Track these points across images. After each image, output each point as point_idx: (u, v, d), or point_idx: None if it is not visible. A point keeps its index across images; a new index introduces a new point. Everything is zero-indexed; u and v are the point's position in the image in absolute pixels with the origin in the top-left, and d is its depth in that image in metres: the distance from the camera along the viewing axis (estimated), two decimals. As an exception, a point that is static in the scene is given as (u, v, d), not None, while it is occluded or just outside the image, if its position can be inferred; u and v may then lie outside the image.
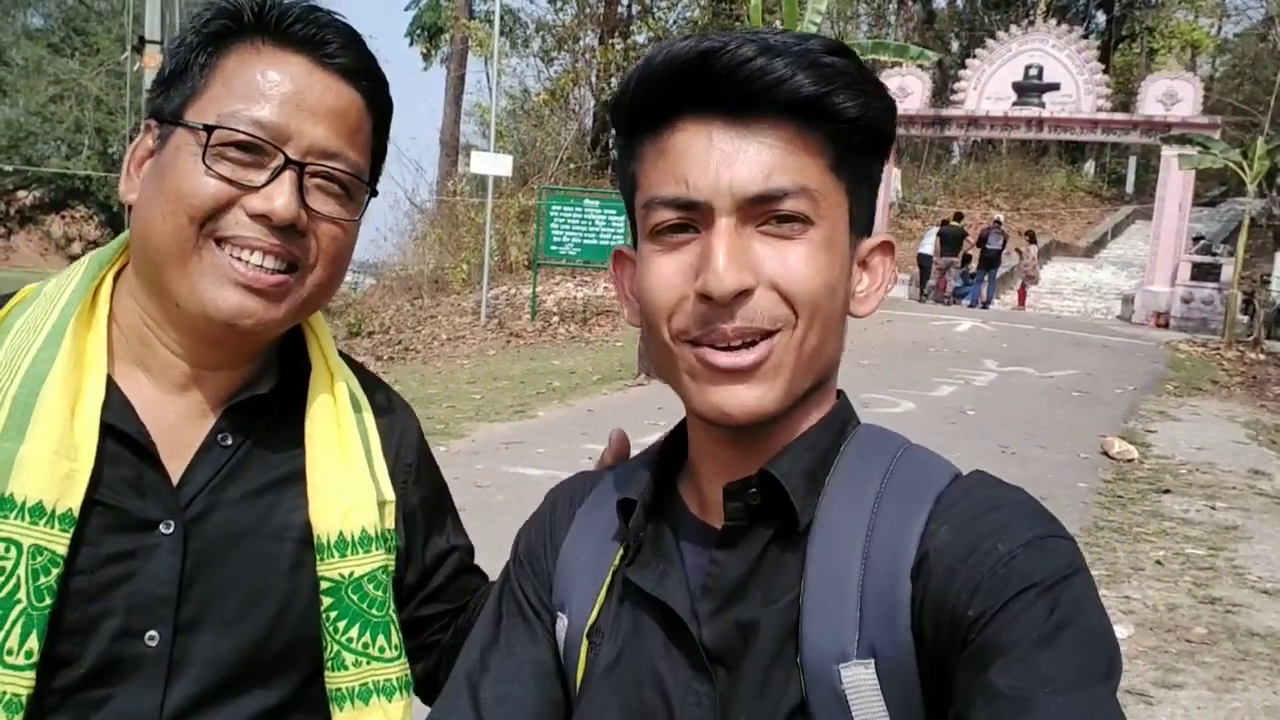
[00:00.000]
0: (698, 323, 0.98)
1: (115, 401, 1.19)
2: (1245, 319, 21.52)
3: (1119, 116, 25.62)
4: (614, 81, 32.66)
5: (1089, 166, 41.06)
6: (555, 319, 21.00)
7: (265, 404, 1.28)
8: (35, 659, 1.09)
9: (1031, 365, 15.42)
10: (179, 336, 1.22)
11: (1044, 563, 0.91)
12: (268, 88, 1.16)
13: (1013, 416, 11.41)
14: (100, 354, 1.20)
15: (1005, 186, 35.74)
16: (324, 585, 1.25)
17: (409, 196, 30.21)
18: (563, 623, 1.14)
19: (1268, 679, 5.19)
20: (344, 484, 1.27)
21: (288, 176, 1.16)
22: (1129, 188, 39.80)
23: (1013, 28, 27.81)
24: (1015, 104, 25.90)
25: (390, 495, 1.31)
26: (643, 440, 1.28)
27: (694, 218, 0.99)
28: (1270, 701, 4.94)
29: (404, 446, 1.40)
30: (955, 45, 42.92)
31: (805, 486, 1.02)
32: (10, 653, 1.08)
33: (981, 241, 26.06)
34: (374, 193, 1.29)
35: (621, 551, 1.12)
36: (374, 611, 1.27)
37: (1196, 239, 27.80)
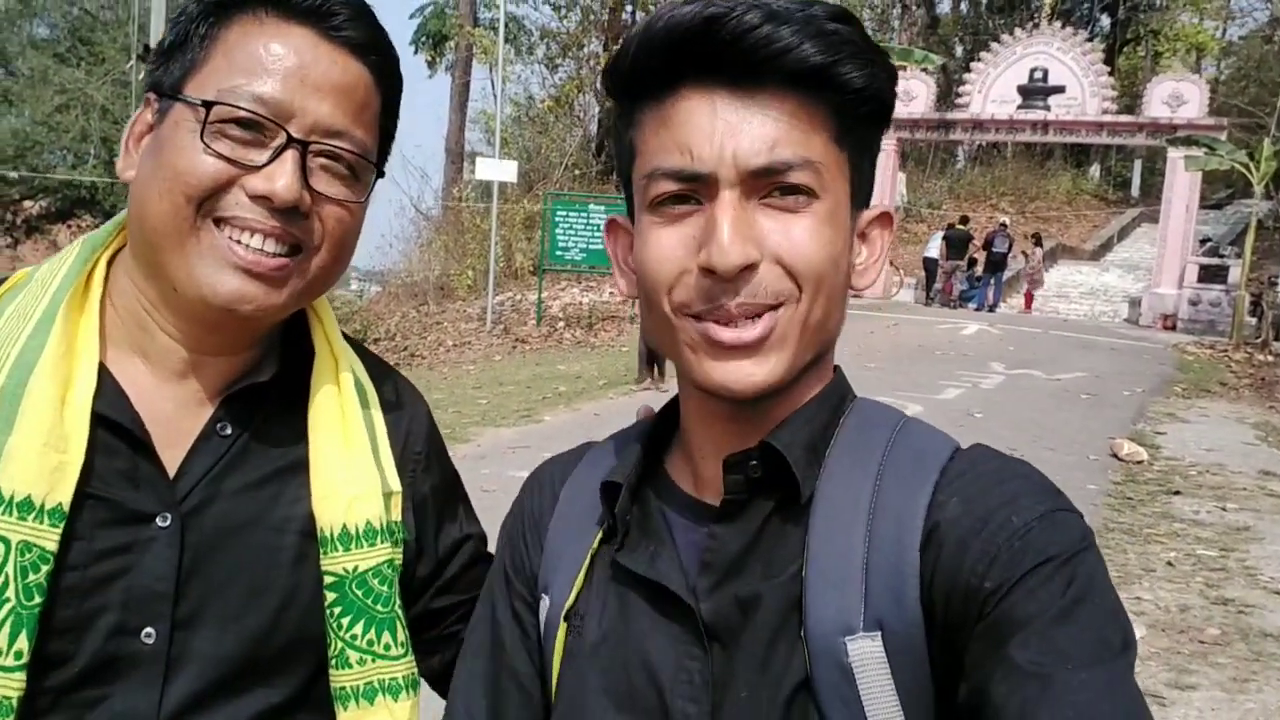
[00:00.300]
0: (701, 297, 0.97)
1: (108, 390, 1.14)
2: (1253, 321, 21.45)
3: (1125, 119, 25.57)
4: (618, 87, 32.55)
5: (1094, 170, 41.01)
6: (561, 324, 21.01)
7: (266, 392, 1.22)
8: (25, 659, 1.04)
9: (1039, 368, 15.37)
10: (177, 321, 1.17)
11: (1059, 536, 0.90)
12: (270, 61, 1.10)
13: (1020, 419, 11.37)
14: (92, 340, 1.15)
15: (1010, 190, 35.70)
16: (328, 580, 1.20)
17: (414, 203, 30.35)
18: (545, 604, 1.13)
19: (1282, 680, 5.15)
20: (348, 474, 1.22)
21: (290, 156, 1.10)
22: (1134, 191, 39.76)
23: (1017, 31, 27.79)
24: (1020, 107, 25.85)
25: (396, 486, 1.26)
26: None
27: (696, 189, 0.97)
28: (1285, 703, 4.90)
29: (413, 434, 1.35)
30: (959, 49, 42.89)
31: (807, 458, 1.00)
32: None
33: (987, 245, 26.00)
34: (381, 174, 1.23)
35: (601, 534, 1.10)
36: (379, 607, 1.22)
37: (1203, 241, 27.75)
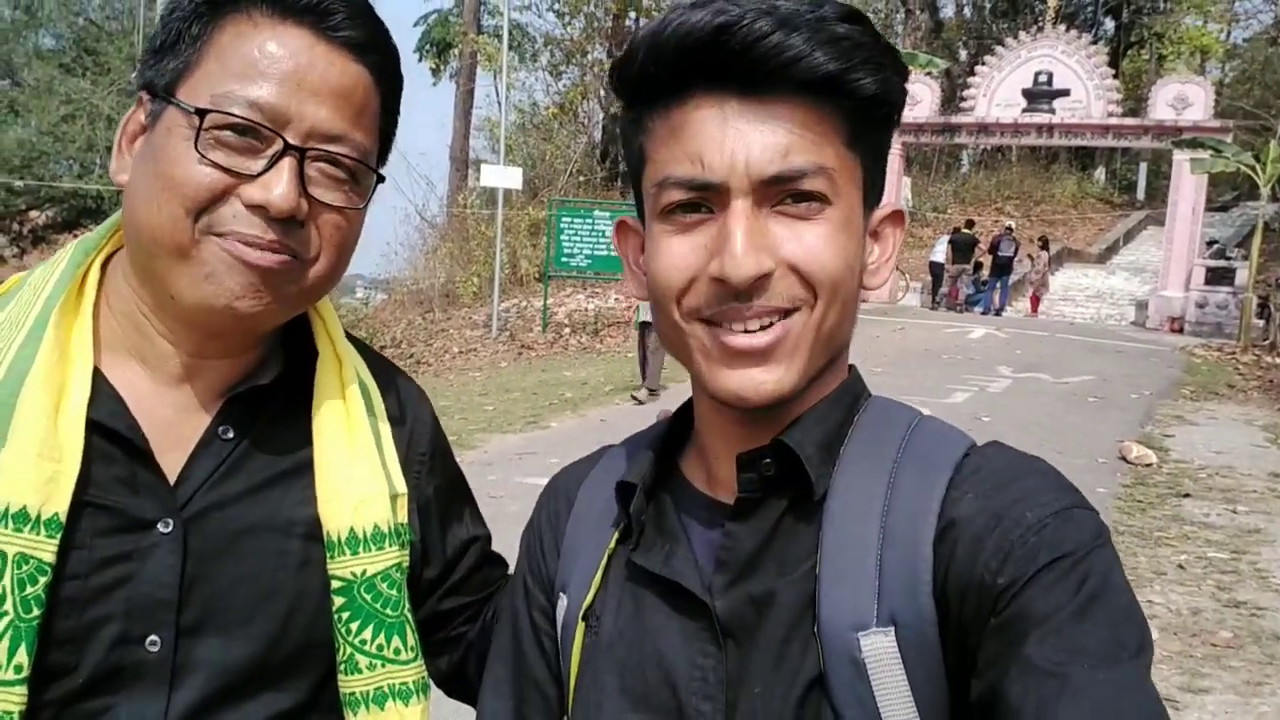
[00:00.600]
0: (711, 303, 0.96)
1: (104, 396, 1.11)
2: (1260, 323, 21.40)
3: (1130, 121, 25.54)
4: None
5: (1100, 173, 40.96)
6: (567, 330, 21.01)
7: (268, 394, 1.20)
8: (26, 673, 1.02)
9: (1046, 371, 15.34)
10: (175, 325, 1.14)
11: (1074, 533, 0.89)
12: (265, 64, 1.06)
13: (1028, 422, 11.34)
14: (86, 346, 1.12)
15: (1016, 194, 35.67)
16: (335, 585, 1.18)
17: (419, 211, 30.39)
18: (562, 603, 1.13)
19: (1296, 683, 5.11)
20: (354, 477, 1.20)
21: (287, 164, 1.06)
22: (1140, 194, 39.71)
23: (1021, 34, 27.76)
24: (1025, 110, 25.85)
25: (403, 488, 1.24)
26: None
27: (708, 198, 0.96)
28: (1300, 706, 4.87)
29: (417, 435, 1.33)
30: (963, 54, 42.88)
31: (820, 456, 1.00)
32: None
33: (993, 249, 25.99)
34: (381, 178, 1.20)
35: (617, 535, 1.10)
36: (388, 611, 1.20)
37: (1210, 243, 27.69)
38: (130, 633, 1.09)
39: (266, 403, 1.20)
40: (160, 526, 1.11)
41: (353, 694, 1.20)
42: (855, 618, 0.92)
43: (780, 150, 0.93)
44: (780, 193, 0.95)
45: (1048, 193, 36.16)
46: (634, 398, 12.65)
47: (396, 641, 1.21)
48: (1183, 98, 24.42)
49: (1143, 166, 40.07)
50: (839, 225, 0.96)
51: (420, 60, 41.32)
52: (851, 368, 1.10)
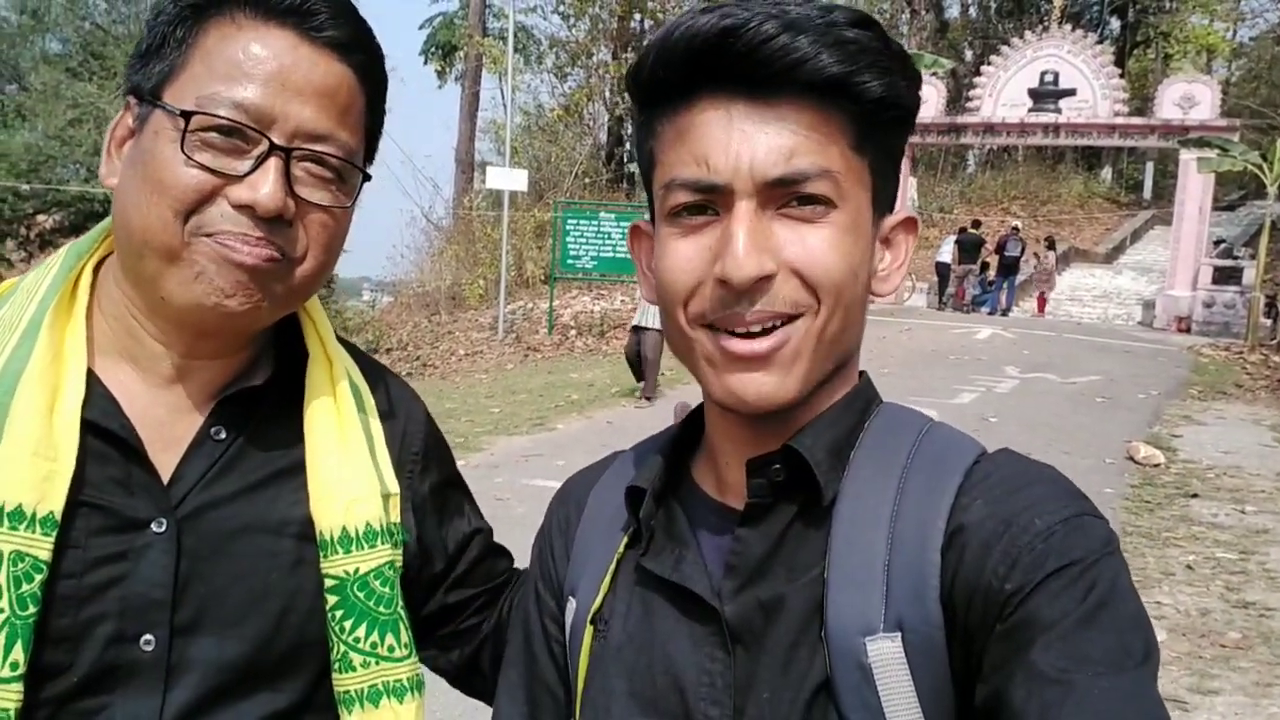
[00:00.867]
0: (715, 307, 0.96)
1: (98, 397, 1.13)
2: (1268, 322, 21.35)
3: (1137, 121, 25.49)
4: (628, 96, 32.68)
5: (1106, 173, 40.94)
6: (573, 332, 21.01)
7: (260, 395, 1.22)
8: (22, 670, 1.03)
9: (1053, 371, 15.32)
10: (166, 327, 1.15)
11: (1082, 540, 0.89)
12: (249, 66, 1.08)
13: (1035, 423, 11.32)
14: (79, 348, 1.14)
15: (1022, 194, 35.66)
16: (328, 583, 1.19)
17: (425, 214, 30.43)
18: (571, 606, 1.14)
19: (1305, 684, 5.09)
20: (346, 476, 1.21)
21: (273, 164, 1.08)
22: (1147, 193, 39.65)
23: (1027, 34, 27.71)
24: (1031, 110, 25.79)
25: (394, 488, 1.26)
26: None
27: (713, 200, 0.97)
28: (1309, 707, 4.85)
29: (410, 434, 1.34)
30: (969, 54, 42.82)
31: (829, 462, 1.00)
32: None
33: (1000, 249, 25.95)
34: (367, 176, 1.21)
35: (626, 539, 1.11)
36: (381, 609, 1.21)
37: (1217, 243, 27.64)
38: (125, 632, 1.10)
39: (258, 403, 1.22)
40: (154, 526, 1.13)
41: (347, 692, 1.21)
42: (862, 623, 0.92)
43: (785, 152, 0.94)
44: (785, 196, 0.95)
45: (1054, 193, 36.13)
46: (645, 397, 12.74)
47: (390, 639, 1.22)
48: (1189, 97, 24.35)
49: (1149, 166, 40.00)
50: (844, 229, 0.96)
51: (426, 63, 41.50)
52: (862, 374, 1.10)
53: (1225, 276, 23.81)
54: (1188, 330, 23.08)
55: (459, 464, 1.46)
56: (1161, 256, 27.89)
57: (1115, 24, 44.93)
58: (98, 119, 30.95)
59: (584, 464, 1.28)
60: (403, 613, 1.24)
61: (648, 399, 12.72)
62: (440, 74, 41.49)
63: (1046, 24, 32.64)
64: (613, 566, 1.11)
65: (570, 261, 20.44)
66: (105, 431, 1.12)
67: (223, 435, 1.19)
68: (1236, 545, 7.46)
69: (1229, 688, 5.05)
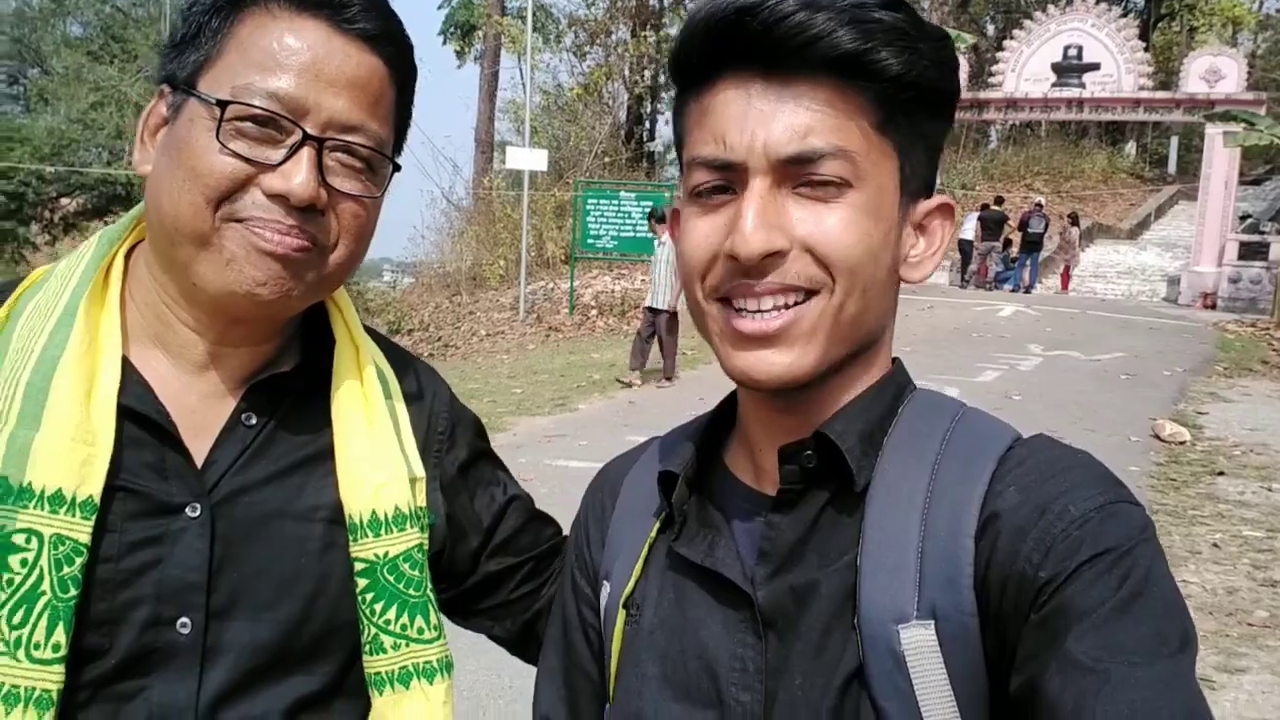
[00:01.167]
0: (725, 280, 0.98)
1: (133, 383, 1.15)
2: (1295, 298, 21.12)
3: (1161, 95, 25.24)
4: (647, 74, 32.67)
5: (1130, 148, 40.51)
6: (594, 312, 21.02)
7: (289, 382, 1.23)
8: (64, 652, 1.05)
9: (1077, 349, 15.24)
10: (198, 314, 1.17)
11: (1117, 528, 0.88)
12: (284, 56, 1.10)
13: (1060, 400, 11.27)
14: (114, 334, 1.15)
15: (1045, 170, 35.35)
16: (358, 567, 1.21)
17: (446, 195, 30.51)
18: (605, 590, 1.15)
19: (1333, 662, 5.06)
20: (374, 461, 1.23)
21: (306, 153, 1.10)
22: (1171, 168, 39.28)
23: (1050, 8, 27.45)
24: (1055, 85, 25.60)
25: (421, 472, 1.27)
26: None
27: (731, 178, 0.97)
28: (1337, 685, 4.82)
29: (435, 415, 1.36)
30: (991, 28, 42.48)
31: (861, 448, 1.00)
32: (37, 646, 1.04)
33: (1023, 225, 25.77)
34: (397, 166, 1.22)
35: (659, 525, 1.12)
36: (411, 592, 1.23)
37: (1243, 218, 27.36)
38: (161, 615, 1.12)
39: (287, 390, 1.24)
40: (188, 511, 1.14)
41: (378, 674, 1.22)
42: (895, 610, 0.92)
43: (800, 131, 0.94)
44: (800, 174, 0.95)
45: (1077, 168, 35.80)
46: (666, 378, 12.78)
47: (420, 621, 1.23)
48: (1215, 70, 24.09)
49: (1174, 140, 39.62)
50: (862, 209, 0.96)
51: (444, 43, 41.34)
52: (896, 360, 1.10)
53: (1251, 252, 23.57)
54: (1213, 306, 22.90)
55: (483, 444, 1.46)
56: (1186, 232, 27.63)
57: (1140, -3, 44.45)
58: (119, 102, 31.10)
59: (606, 444, 1.29)
60: (431, 595, 1.25)
61: (668, 379, 12.78)
62: (459, 54, 41.36)
63: (1070, -3, 32.28)
64: (645, 551, 1.12)
65: (591, 241, 20.42)
66: (141, 417, 1.14)
67: (253, 421, 1.21)
68: (1263, 523, 7.42)
69: (1256, 666, 5.03)
